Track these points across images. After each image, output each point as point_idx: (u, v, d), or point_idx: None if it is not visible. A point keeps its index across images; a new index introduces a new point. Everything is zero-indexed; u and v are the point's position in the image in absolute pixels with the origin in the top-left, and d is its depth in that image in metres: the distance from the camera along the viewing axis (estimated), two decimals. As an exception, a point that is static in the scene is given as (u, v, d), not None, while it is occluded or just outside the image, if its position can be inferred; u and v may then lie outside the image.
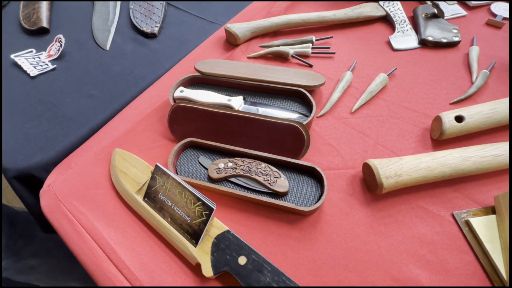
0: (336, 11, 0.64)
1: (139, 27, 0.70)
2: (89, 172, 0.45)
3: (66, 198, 0.42)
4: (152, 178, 0.39)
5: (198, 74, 0.53)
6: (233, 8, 0.73)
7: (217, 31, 0.66)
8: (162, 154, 0.47)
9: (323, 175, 0.39)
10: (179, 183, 0.36)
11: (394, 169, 0.38)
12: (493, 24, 0.61)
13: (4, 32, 0.72)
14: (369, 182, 0.40)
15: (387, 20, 0.65)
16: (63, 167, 0.46)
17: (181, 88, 0.51)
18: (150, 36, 0.68)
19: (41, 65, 0.64)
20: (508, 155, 0.38)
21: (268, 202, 0.38)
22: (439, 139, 0.44)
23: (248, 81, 0.50)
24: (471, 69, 0.53)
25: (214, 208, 0.34)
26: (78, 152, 0.48)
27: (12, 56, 0.65)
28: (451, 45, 0.58)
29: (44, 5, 0.75)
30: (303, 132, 0.42)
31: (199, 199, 0.35)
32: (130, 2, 0.76)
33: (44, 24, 0.71)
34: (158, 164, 0.38)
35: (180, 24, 0.72)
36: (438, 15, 0.61)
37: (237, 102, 0.48)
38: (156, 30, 0.68)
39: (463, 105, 0.49)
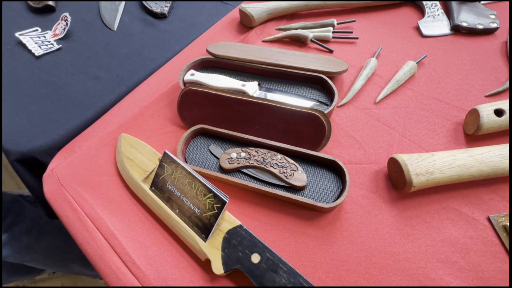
0: (360, -8, 0.59)
1: (148, 6, 0.66)
2: (94, 158, 0.43)
3: (70, 184, 0.40)
4: (160, 166, 0.36)
5: (210, 56, 0.49)
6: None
7: (230, 12, 0.62)
8: (171, 141, 0.44)
9: (344, 169, 0.36)
10: (189, 173, 0.34)
11: (425, 165, 0.34)
12: (535, 9, 0.55)
13: (9, 9, 0.70)
14: (395, 179, 0.37)
15: (415, 4, 0.60)
16: (67, 151, 0.44)
17: (192, 71, 0.47)
18: (160, 16, 0.64)
19: (46, 45, 0.61)
20: (556, 154, 0.34)
21: (284, 196, 0.35)
22: (475, 135, 0.40)
23: (263, 65, 0.47)
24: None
25: (227, 201, 0.31)
26: (83, 136, 0.46)
27: (17, 34, 0.62)
28: (488, 32, 0.53)
29: (51, -18, 0.71)
30: (324, 121, 0.38)
31: (210, 191, 0.32)
32: (140, -20, 0.72)
33: (50, 2, 0.68)
34: (167, 151, 0.36)
35: (191, 4, 0.68)
36: (474, -2, 0.56)
37: (252, 88, 0.45)
38: (166, 10, 0.64)
39: (500, 98, 0.44)
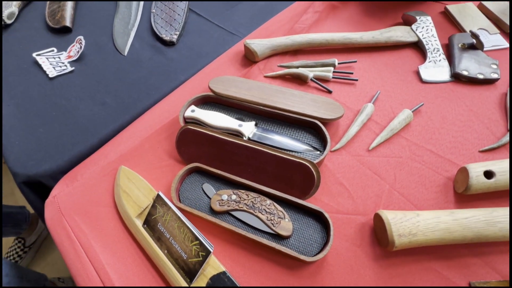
0: (363, 33, 0.60)
1: (158, 33, 0.68)
2: (94, 187, 0.45)
3: (69, 212, 0.43)
4: (153, 206, 0.38)
5: (211, 93, 0.51)
6: (256, 20, 0.70)
7: (236, 44, 0.64)
8: (168, 176, 0.46)
9: (330, 222, 0.37)
10: (179, 218, 0.35)
11: (408, 226, 0.35)
12: (539, 61, 0.55)
13: (29, 27, 0.74)
14: (379, 235, 0.37)
15: (418, 47, 0.60)
16: (69, 179, 0.46)
17: (193, 107, 0.49)
18: (168, 44, 0.67)
19: (60, 66, 0.65)
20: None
21: (269, 245, 0.36)
22: (464, 194, 0.40)
23: (260, 106, 0.48)
24: (507, 113, 0.48)
25: (211, 251, 0.32)
26: (85, 164, 0.48)
27: (34, 54, 0.66)
28: (488, 82, 0.53)
29: (70, 4, 0.75)
30: (314, 172, 0.39)
31: (197, 238, 0.34)
32: (152, 5, 0.75)
33: (68, 23, 0.72)
34: (160, 193, 0.37)
35: (199, 32, 0.70)
36: (476, 46, 0.56)
37: (248, 129, 0.46)
38: (174, 38, 0.67)
39: (495, 155, 0.45)
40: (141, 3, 0.78)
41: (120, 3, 0.77)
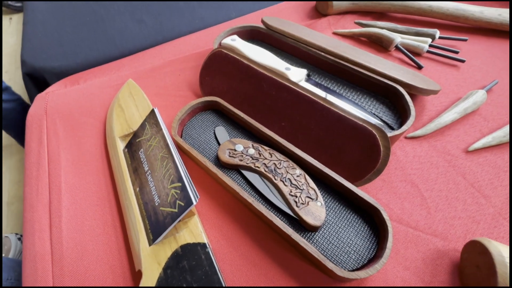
0: (486, 8, 0.43)
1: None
2: (92, 95, 0.36)
3: (53, 113, 0.34)
4: (142, 125, 0.27)
5: (262, 27, 0.39)
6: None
7: (308, -6, 0.52)
8: (179, 107, 0.35)
9: (389, 227, 0.22)
10: (166, 145, 0.24)
11: (544, 281, 0.19)
12: None
13: None
14: (472, 278, 0.22)
15: None
16: (70, 80, 0.39)
17: (234, 36, 0.38)
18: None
19: (114, -20, 0.59)
20: None
21: (283, 231, 0.23)
22: None
23: (322, 53, 0.35)
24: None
25: (194, 203, 0.20)
26: (94, 71, 0.40)
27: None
28: None
29: None
30: (382, 146, 0.25)
31: (180, 179, 0.22)
32: None
33: None
34: (156, 110, 0.27)
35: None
36: None
37: (298, 75, 0.34)
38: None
39: None
40: None
41: None
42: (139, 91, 0.34)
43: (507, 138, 0.31)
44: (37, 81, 0.43)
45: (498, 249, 0.20)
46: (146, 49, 0.44)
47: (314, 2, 0.49)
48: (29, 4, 0.53)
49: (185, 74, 0.39)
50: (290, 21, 0.42)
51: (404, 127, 0.28)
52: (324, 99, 0.28)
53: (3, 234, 0.64)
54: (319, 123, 0.28)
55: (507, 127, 0.31)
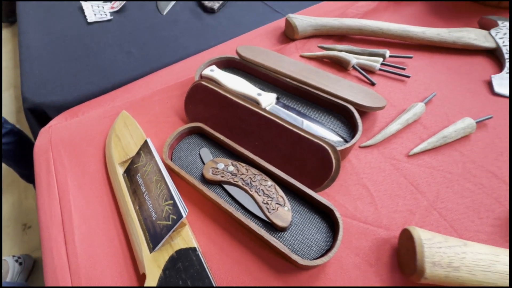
0: (427, 28, 0.51)
1: (201, -1, 0.66)
2: (91, 127, 0.42)
3: (58, 145, 0.39)
4: (138, 153, 0.33)
5: (236, 58, 0.46)
6: (307, 2, 0.65)
7: (277, 21, 0.59)
8: (168, 132, 0.40)
9: (340, 224, 0.28)
10: (159, 170, 0.30)
11: (449, 255, 0.25)
12: None
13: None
14: (404, 258, 0.28)
15: (494, 55, 0.50)
16: (70, 114, 0.44)
17: (213, 67, 0.44)
18: (209, 10, 0.64)
19: (101, 14, 0.65)
20: None
21: (257, 233, 0.29)
22: (536, 236, 0.29)
23: (287, 79, 0.42)
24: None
25: (184, 216, 0.26)
26: (91, 103, 0.45)
27: (81, 1, 0.67)
28: None
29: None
30: (333, 158, 0.31)
31: (172, 197, 0.28)
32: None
33: (120, -21, 0.73)
34: (148, 140, 0.32)
35: (244, 6, 0.67)
36: None
37: (268, 99, 0.40)
38: (216, 6, 0.64)
39: None
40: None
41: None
42: (132, 121, 0.39)
43: (440, 142, 0.38)
44: (38, 114, 0.48)
45: (419, 234, 0.26)
46: (136, 80, 0.49)
47: (283, 29, 0.56)
48: (23, 41, 0.58)
49: (172, 102, 0.45)
50: (262, 48, 0.48)
51: (353, 141, 0.34)
52: (286, 121, 0.35)
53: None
54: (285, 141, 0.34)
55: (440, 133, 0.38)
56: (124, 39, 0.58)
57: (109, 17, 0.64)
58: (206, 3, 0.65)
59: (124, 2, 0.65)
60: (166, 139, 0.39)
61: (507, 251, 0.26)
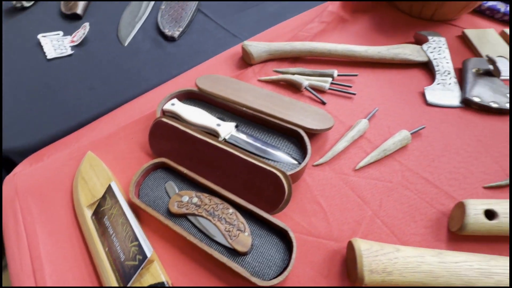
0: (369, 47, 0.56)
1: (161, 28, 0.68)
2: (57, 170, 0.43)
3: (24, 193, 0.40)
4: (103, 197, 0.35)
5: (196, 90, 0.48)
6: (263, 25, 0.68)
7: (235, 46, 0.62)
8: (135, 168, 0.42)
9: (294, 243, 0.32)
10: (124, 213, 0.32)
11: (384, 262, 0.29)
12: None
13: (44, 12, 0.76)
14: (350, 267, 0.32)
15: (428, 68, 0.56)
16: (34, 159, 0.44)
17: (174, 100, 0.47)
18: (169, 39, 0.66)
19: (61, 49, 0.65)
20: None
21: (219, 260, 0.32)
22: (458, 233, 0.34)
23: (244, 108, 0.45)
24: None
25: (148, 256, 0.28)
26: (56, 145, 0.46)
27: (39, 36, 0.67)
28: (502, 112, 0.47)
29: (85, -7, 0.77)
30: (285, 184, 0.35)
31: (136, 239, 0.30)
32: (162, 2, 0.76)
33: (79, 11, 0.73)
34: (112, 184, 0.34)
35: (203, 32, 0.69)
36: (492, 73, 0.51)
37: (227, 129, 0.43)
38: (176, 34, 0.66)
39: (501, 194, 0.38)
40: (152, 2, 0.79)
41: (133, -3, 0.79)
42: (98, 163, 0.41)
43: (381, 155, 0.42)
44: (3, 161, 0.48)
45: (359, 245, 0.31)
46: (100, 117, 0.51)
47: (240, 55, 0.59)
48: (-20, 84, 0.57)
49: (137, 137, 0.46)
50: (221, 75, 0.51)
51: (303, 163, 0.38)
52: (244, 152, 0.38)
53: None
54: (242, 171, 0.37)
55: (381, 147, 0.43)
56: (87, 74, 0.59)
57: (69, 51, 0.64)
58: (167, 31, 0.67)
59: (85, 34, 0.66)
60: (132, 175, 0.41)
61: (432, 251, 0.31)
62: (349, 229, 0.36)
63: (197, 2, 0.75)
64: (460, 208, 0.34)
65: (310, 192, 0.40)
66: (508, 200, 0.34)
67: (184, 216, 0.36)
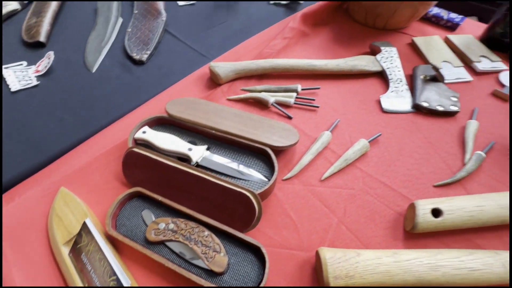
0: (328, 60, 0.60)
1: (129, 52, 0.69)
2: (30, 209, 0.43)
3: (-3, 236, 0.40)
4: (79, 234, 0.36)
5: (166, 116, 0.50)
6: (230, 43, 0.71)
7: (203, 66, 0.64)
8: (111, 199, 0.43)
9: (266, 258, 0.35)
10: (100, 249, 0.33)
11: (346, 267, 0.32)
12: (499, 95, 0.55)
13: (5, 41, 0.74)
14: (319, 274, 0.35)
15: (383, 77, 0.61)
16: (6, 198, 0.44)
17: (145, 128, 0.48)
18: (138, 62, 0.67)
19: (26, 80, 0.64)
20: (487, 271, 0.32)
21: (197, 283, 0.33)
22: (412, 232, 0.38)
23: (214, 131, 0.47)
24: (465, 147, 0.47)
25: (127, 289, 0.30)
26: (27, 183, 0.46)
27: (2, 67, 0.65)
28: (448, 114, 0.52)
29: (47, 20, 0.76)
30: (255, 203, 0.37)
31: (114, 273, 0.31)
32: (129, 24, 0.77)
33: (42, 38, 0.72)
34: (87, 221, 0.35)
35: (171, 53, 0.71)
36: (438, 79, 0.56)
37: (198, 153, 0.45)
38: (144, 57, 0.67)
39: (449, 191, 0.43)
40: (119, 21, 0.79)
41: (98, 20, 0.79)
42: (72, 198, 0.42)
43: (343, 164, 0.46)
44: (-29, 204, 0.47)
45: (324, 254, 0.34)
46: (72, 149, 0.51)
47: (209, 75, 0.61)
48: None
49: (110, 167, 0.47)
50: (191, 98, 0.53)
51: (272, 180, 0.41)
52: (213, 175, 0.40)
53: None
54: (214, 193, 0.39)
55: (342, 157, 0.46)
56: (55, 105, 0.59)
57: (35, 82, 0.63)
58: (135, 55, 0.68)
59: (50, 63, 0.65)
60: (109, 207, 0.42)
61: (388, 252, 0.34)
62: (317, 238, 0.39)
63: (164, 22, 0.76)
64: (412, 208, 0.38)
65: (280, 206, 0.42)
66: (452, 198, 0.39)
67: (161, 243, 0.38)
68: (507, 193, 0.38)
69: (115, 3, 0.85)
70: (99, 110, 0.58)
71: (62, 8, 0.84)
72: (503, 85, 0.57)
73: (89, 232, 0.35)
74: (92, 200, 0.43)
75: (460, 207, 0.37)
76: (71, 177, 0.46)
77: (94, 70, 0.66)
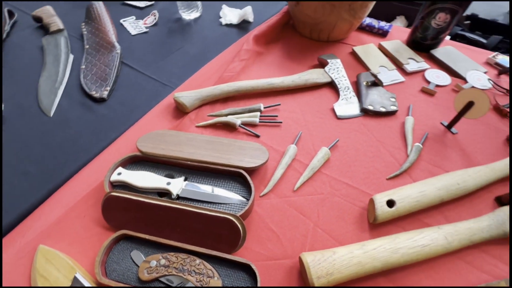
0: (284, 77, 0.66)
1: (87, 90, 0.68)
2: (7, 275, 0.41)
3: (-24, 310, 0.38)
4: (71, 290, 0.36)
5: (139, 154, 0.51)
6: (189, 69, 0.73)
7: (167, 97, 0.66)
8: (95, 246, 0.43)
9: (257, 274, 0.38)
10: (97, 301, 0.34)
11: (326, 266, 0.37)
12: (426, 91, 0.66)
13: None
14: (304, 278, 0.40)
15: (333, 86, 0.68)
16: (-22, 269, 0.42)
17: (120, 169, 0.49)
18: (99, 100, 0.67)
19: (-25, 135, 0.60)
20: (434, 245, 0.40)
21: (198, 310, 0.36)
22: (374, 223, 0.45)
23: (189, 162, 0.50)
24: (406, 140, 0.56)
25: (131, 333, 0.31)
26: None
27: None
28: (389, 114, 0.61)
29: (-12, 65, 0.72)
30: (238, 225, 0.41)
31: (116, 321, 0.32)
32: (82, 61, 0.75)
33: (-14, 86, 0.68)
34: (77, 275, 0.36)
35: (132, 85, 0.71)
36: (377, 83, 0.65)
37: (177, 186, 0.47)
38: (105, 94, 0.67)
39: (399, 181, 0.51)
40: (70, 58, 0.77)
41: (47, 59, 0.76)
42: (54, 254, 0.41)
43: (311, 173, 0.52)
44: None
45: (305, 258, 0.38)
46: (43, 202, 0.49)
47: (174, 105, 0.63)
48: None
49: (89, 214, 0.47)
50: (161, 130, 0.55)
51: (250, 201, 0.45)
52: (195, 206, 0.43)
53: None
54: (198, 222, 0.42)
55: (309, 166, 0.52)
56: (16, 157, 0.56)
57: (-14, 135, 0.60)
58: (94, 93, 0.67)
59: (156, 19, 0.60)
60: (95, 254, 0.42)
61: (358, 245, 0.40)
62: (298, 244, 0.44)
63: (119, 54, 0.76)
64: (371, 203, 0.45)
65: (262, 221, 0.46)
66: (401, 188, 0.46)
67: (156, 280, 0.39)
68: (441, 176, 0.47)
69: (62, 38, 0.82)
70: (65, 156, 0.57)
71: (3, 48, 0.79)
72: (428, 82, 0.68)
73: (81, 285, 0.35)
74: (75, 251, 0.43)
75: (408, 195, 0.44)
76: (48, 232, 0.45)
77: (51, 114, 0.64)
